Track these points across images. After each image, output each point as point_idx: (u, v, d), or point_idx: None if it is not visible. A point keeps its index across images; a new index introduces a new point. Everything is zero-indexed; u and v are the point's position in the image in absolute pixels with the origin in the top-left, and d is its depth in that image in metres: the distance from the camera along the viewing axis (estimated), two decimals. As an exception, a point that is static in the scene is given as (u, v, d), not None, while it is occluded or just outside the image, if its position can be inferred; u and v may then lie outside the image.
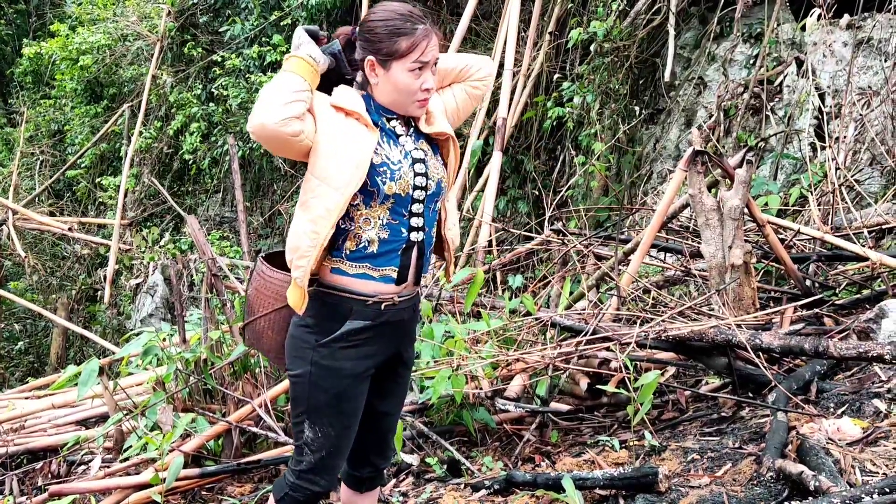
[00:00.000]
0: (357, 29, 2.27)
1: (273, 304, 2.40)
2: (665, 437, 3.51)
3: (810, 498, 2.55)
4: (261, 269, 2.46)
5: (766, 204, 5.47)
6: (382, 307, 2.27)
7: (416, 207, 2.27)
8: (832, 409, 3.30)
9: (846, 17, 6.22)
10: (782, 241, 4.72)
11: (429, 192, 2.29)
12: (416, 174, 2.26)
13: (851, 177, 5.51)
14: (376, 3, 2.32)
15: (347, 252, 2.25)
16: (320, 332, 2.25)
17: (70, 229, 11.38)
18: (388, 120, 2.30)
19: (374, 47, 2.20)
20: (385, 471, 2.61)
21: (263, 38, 9.84)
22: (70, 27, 12.56)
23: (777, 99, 6.44)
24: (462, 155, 8.06)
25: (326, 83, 2.27)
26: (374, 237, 2.23)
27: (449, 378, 3.54)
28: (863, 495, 2.44)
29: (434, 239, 2.39)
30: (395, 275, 2.27)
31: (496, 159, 6.87)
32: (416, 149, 2.30)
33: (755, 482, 2.84)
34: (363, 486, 2.54)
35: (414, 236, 2.28)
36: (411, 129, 2.33)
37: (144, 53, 11.68)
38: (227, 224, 11.17)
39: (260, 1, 10.02)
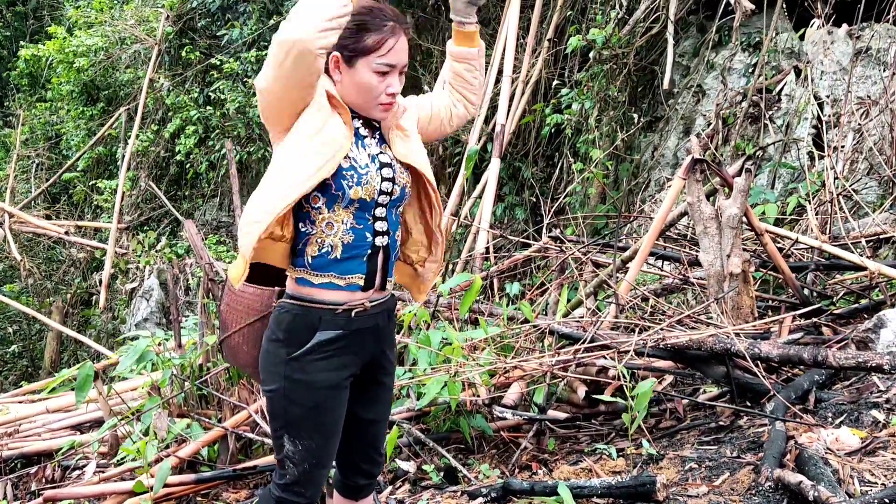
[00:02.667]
0: None
1: (245, 318, 2.33)
2: (663, 445, 3.50)
3: (809, 508, 2.54)
4: (230, 285, 2.41)
5: (764, 213, 5.48)
6: (353, 314, 2.21)
7: (380, 212, 2.23)
8: (831, 419, 3.29)
9: (845, 27, 6.24)
10: (780, 249, 4.72)
11: (393, 198, 2.24)
12: (383, 179, 2.21)
13: (849, 186, 5.52)
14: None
15: (310, 259, 2.18)
16: (290, 345, 2.18)
17: (66, 233, 11.36)
18: (353, 118, 2.23)
19: (339, 43, 2.10)
20: (378, 477, 2.58)
21: (262, 43, 9.83)
22: (67, 30, 12.55)
23: (776, 108, 6.45)
24: (459, 162, 8.06)
25: None
26: (336, 242, 2.18)
27: (445, 385, 3.53)
28: (862, 506, 2.43)
29: (399, 244, 2.33)
30: (361, 282, 2.21)
31: (494, 166, 6.86)
32: (381, 153, 2.24)
33: (753, 492, 2.83)
34: (357, 494, 2.50)
35: (379, 241, 2.23)
36: (376, 132, 2.27)
37: (142, 57, 11.67)
38: (224, 228, 11.16)
39: (258, 5, 10.02)
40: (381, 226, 2.23)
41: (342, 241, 2.18)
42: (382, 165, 2.22)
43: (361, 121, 2.25)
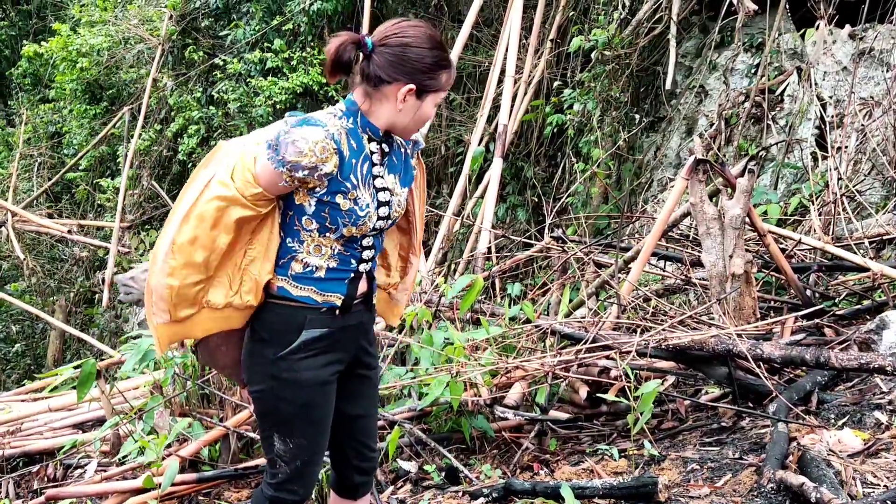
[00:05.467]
0: (383, 44, 2.12)
1: None
2: (664, 446, 3.50)
3: (811, 510, 2.54)
4: None
5: (767, 213, 5.47)
6: (336, 312, 2.22)
7: (368, 241, 2.25)
8: (833, 421, 3.29)
9: (848, 28, 6.23)
10: (783, 250, 4.72)
11: (384, 228, 2.28)
12: (379, 218, 2.21)
13: (853, 187, 5.51)
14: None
15: (293, 273, 2.19)
16: (276, 344, 2.19)
17: (69, 231, 11.36)
18: (370, 141, 2.20)
19: (419, 77, 2.11)
20: (374, 475, 2.57)
21: (265, 43, 9.84)
22: (71, 28, 12.55)
23: (778, 108, 6.44)
24: (461, 161, 8.06)
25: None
26: (322, 264, 2.19)
27: (447, 385, 3.53)
28: (864, 508, 2.43)
29: (377, 264, 2.38)
30: (339, 302, 2.22)
31: (496, 166, 6.86)
32: (384, 188, 2.23)
33: (755, 493, 2.83)
34: (354, 492, 2.49)
35: (363, 267, 2.26)
36: (386, 158, 2.25)
37: (145, 56, 11.67)
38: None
39: (261, 6, 10.02)
40: (367, 254, 2.26)
41: (327, 265, 2.20)
42: (381, 204, 2.21)
43: (378, 144, 2.22)
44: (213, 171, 2.12)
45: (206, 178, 2.12)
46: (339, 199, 2.13)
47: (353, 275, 2.24)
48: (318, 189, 2.12)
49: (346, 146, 2.13)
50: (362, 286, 2.28)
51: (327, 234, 2.17)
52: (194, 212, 2.09)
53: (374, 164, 2.21)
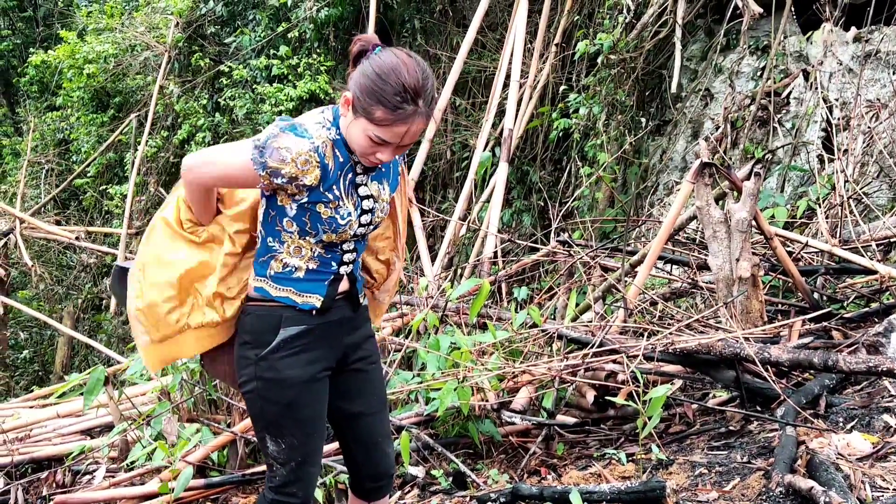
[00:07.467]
0: (369, 55, 2.11)
1: None
2: (672, 450, 3.49)
3: (820, 514, 2.53)
4: None
5: (774, 216, 5.46)
6: (314, 312, 2.24)
7: (348, 246, 2.26)
8: (842, 424, 3.28)
9: (853, 30, 6.22)
10: (790, 253, 4.71)
11: (365, 234, 2.29)
12: (360, 225, 2.23)
13: (859, 189, 5.50)
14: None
15: (272, 272, 2.22)
16: (257, 345, 2.21)
17: (77, 238, 11.41)
18: (351, 151, 2.19)
19: (356, 92, 2.05)
20: (390, 480, 2.54)
21: (271, 50, 9.88)
22: (78, 35, 12.62)
23: (784, 111, 6.43)
24: (467, 166, 8.07)
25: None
26: (301, 265, 2.21)
27: (455, 390, 3.53)
28: (873, 511, 2.42)
29: (361, 263, 2.39)
30: (318, 303, 2.23)
31: (502, 170, 6.86)
32: (368, 196, 2.22)
33: (764, 497, 2.82)
34: (369, 496, 2.49)
35: (343, 270, 2.27)
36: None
37: (152, 63, 11.73)
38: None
39: (267, 13, 10.07)
40: (348, 257, 2.28)
41: (307, 266, 2.22)
42: (363, 212, 2.22)
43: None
44: (175, 196, 2.27)
45: (167, 202, 2.28)
46: (319, 207, 2.15)
47: (332, 276, 2.25)
48: (298, 196, 2.13)
49: (330, 159, 2.13)
50: (343, 285, 2.29)
51: (307, 238, 2.19)
52: (153, 234, 2.25)
53: (357, 174, 2.21)
